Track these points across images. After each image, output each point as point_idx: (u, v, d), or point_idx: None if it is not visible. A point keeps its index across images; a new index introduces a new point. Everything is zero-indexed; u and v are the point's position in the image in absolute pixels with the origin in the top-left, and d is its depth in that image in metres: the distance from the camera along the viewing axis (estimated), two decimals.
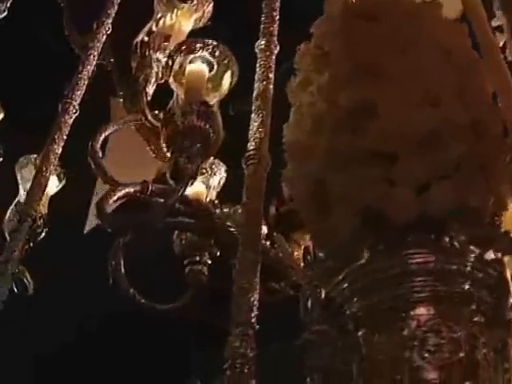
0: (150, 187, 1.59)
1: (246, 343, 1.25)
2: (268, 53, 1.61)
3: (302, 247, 1.77)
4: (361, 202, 1.27)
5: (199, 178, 1.93)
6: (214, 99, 1.60)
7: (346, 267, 1.29)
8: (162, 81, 1.73)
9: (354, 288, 1.26)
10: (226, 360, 1.25)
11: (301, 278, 1.59)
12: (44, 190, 1.82)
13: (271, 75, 1.60)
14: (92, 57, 2.06)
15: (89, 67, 2.03)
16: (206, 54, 1.62)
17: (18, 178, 2.17)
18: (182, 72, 1.63)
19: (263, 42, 1.62)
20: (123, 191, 1.55)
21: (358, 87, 1.35)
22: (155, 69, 1.70)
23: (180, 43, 1.66)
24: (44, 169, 1.83)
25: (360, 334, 1.24)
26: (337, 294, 1.27)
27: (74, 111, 1.95)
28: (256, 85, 1.58)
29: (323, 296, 1.49)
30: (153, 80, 1.70)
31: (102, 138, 1.75)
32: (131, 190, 1.57)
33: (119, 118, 1.94)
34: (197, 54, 1.62)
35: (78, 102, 1.96)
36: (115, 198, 1.54)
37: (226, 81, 1.63)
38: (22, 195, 2.14)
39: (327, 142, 1.35)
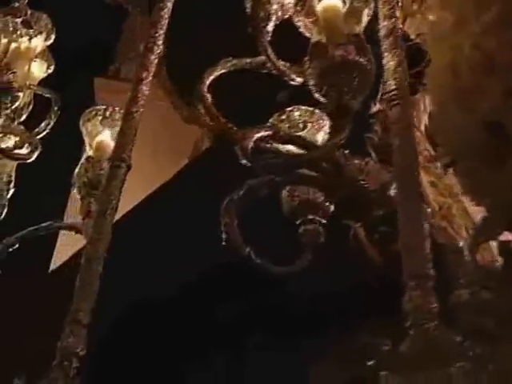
0: (281, 133, 1.53)
1: (427, 297, 1.21)
2: None
3: None
4: None
5: (303, 133, 1.87)
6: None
7: None
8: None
9: None
10: (406, 317, 1.21)
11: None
12: (135, 134, 1.74)
13: (397, 12, 1.56)
14: None
15: (169, 4, 1.97)
16: None
17: (84, 132, 2.09)
18: (313, 8, 1.58)
19: None
20: (258, 134, 1.49)
21: None
22: (275, 6, 1.64)
23: None
24: (134, 110, 1.76)
25: None
26: None
27: (159, 51, 1.88)
28: (383, 24, 1.53)
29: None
30: (273, 18, 1.63)
31: (208, 81, 1.68)
32: (263, 133, 1.51)
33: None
34: None
35: (161, 40, 1.91)
36: (254, 138, 1.48)
37: (364, 18, 1.58)
38: (88, 150, 2.06)
39: (504, 81, 1.32)
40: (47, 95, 2.18)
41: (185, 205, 2.64)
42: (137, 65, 1.85)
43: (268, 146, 1.55)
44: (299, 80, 1.68)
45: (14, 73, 1.95)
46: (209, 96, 1.65)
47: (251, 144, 1.46)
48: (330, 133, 1.51)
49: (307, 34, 1.60)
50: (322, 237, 1.72)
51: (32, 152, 2.03)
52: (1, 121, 1.97)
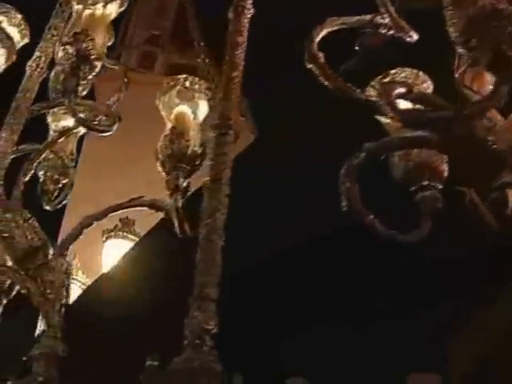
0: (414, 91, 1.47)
1: None
2: None
3: None
4: None
5: None
6: None
7: None
8: None
9: None
10: None
11: None
12: (237, 100, 1.67)
13: None
14: None
15: None
16: None
17: (160, 106, 1.99)
18: None
19: None
20: (396, 91, 1.43)
21: None
22: None
23: None
24: (234, 75, 1.68)
25: None
26: None
27: (249, 14, 1.82)
28: None
29: None
30: None
31: (317, 40, 1.61)
32: (399, 91, 1.44)
33: None
34: None
35: (250, 4, 1.84)
36: (395, 95, 1.41)
37: None
38: (166, 123, 1.98)
39: None
40: (114, 67, 2.09)
41: (303, 170, 2.57)
42: (229, 30, 1.78)
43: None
44: (416, 37, 1.63)
45: (92, 40, 1.85)
46: (321, 55, 1.58)
47: (396, 100, 1.40)
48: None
49: None
50: (440, 203, 1.66)
51: (112, 125, 1.95)
52: (80, 90, 1.88)
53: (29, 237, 1.89)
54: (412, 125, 1.41)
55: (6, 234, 1.86)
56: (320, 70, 1.55)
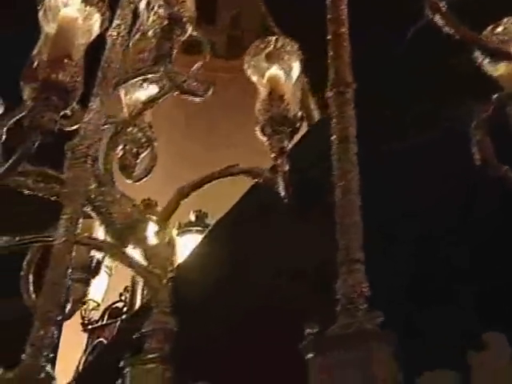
0: None
1: None
2: None
3: None
4: None
5: None
6: None
7: None
8: None
9: None
10: None
11: None
12: (348, 56, 1.63)
13: None
14: None
15: None
16: None
17: (249, 71, 1.94)
18: None
19: None
20: None
21: None
22: None
23: None
24: (342, 31, 1.61)
25: None
26: None
27: None
28: None
29: None
30: None
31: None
32: None
33: None
34: None
35: None
36: None
37: None
38: (258, 87, 1.94)
39: None
40: (196, 36, 2.04)
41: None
42: None
43: None
44: None
45: (183, 2, 1.80)
46: (442, 4, 1.53)
47: None
48: None
49: None
50: None
51: (207, 90, 1.89)
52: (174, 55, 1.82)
53: (126, 210, 1.85)
54: None
55: (104, 209, 1.84)
56: (444, 18, 1.51)
